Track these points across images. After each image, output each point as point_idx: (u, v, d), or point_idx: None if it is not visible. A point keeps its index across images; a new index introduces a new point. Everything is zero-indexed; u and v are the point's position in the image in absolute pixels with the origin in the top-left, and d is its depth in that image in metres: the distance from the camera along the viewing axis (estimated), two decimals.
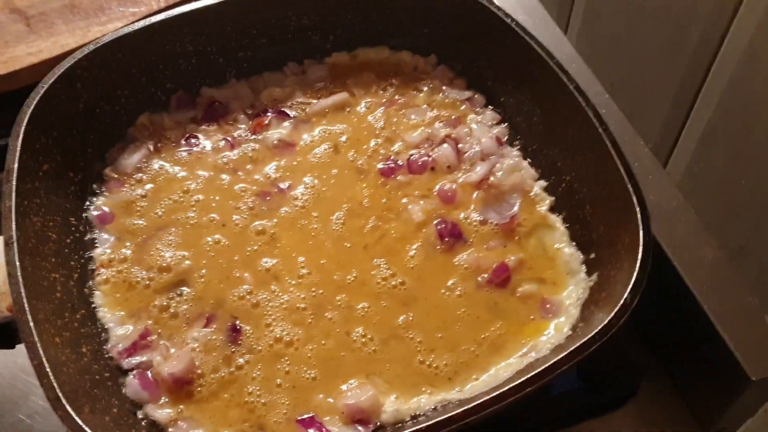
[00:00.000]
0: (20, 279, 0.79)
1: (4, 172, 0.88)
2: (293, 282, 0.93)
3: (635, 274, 0.81)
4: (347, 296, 0.92)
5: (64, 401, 0.71)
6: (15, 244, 0.82)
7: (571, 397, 0.95)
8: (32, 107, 0.94)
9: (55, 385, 0.72)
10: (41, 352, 0.74)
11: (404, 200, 1.01)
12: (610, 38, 1.55)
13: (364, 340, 0.89)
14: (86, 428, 0.70)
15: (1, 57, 1.17)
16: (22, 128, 0.92)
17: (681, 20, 1.34)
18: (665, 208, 1.01)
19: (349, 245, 0.97)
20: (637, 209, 0.85)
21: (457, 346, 0.88)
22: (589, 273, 0.93)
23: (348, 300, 0.92)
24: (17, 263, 0.80)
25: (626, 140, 1.01)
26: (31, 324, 0.76)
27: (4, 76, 1.15)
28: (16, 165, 0.89)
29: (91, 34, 1.20)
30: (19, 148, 0.90)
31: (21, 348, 0.88)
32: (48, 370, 0.73)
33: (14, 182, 0.87)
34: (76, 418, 0.70)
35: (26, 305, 0.77)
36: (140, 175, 1.03)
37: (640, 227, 0.84)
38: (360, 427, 0.81)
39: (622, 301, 0.79)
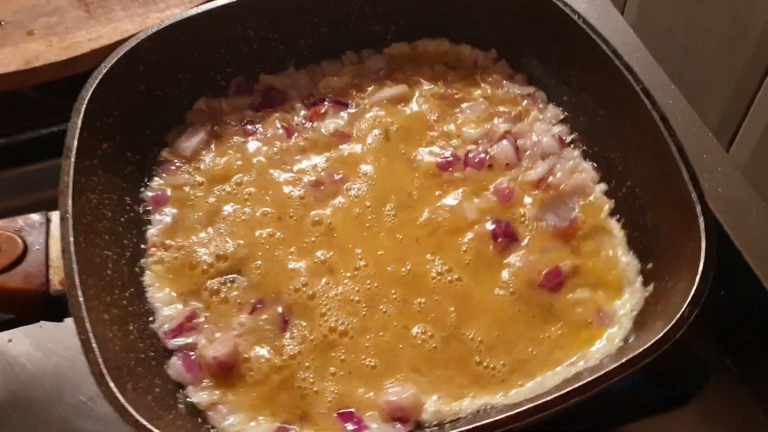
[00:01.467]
0: (73, 254, 0.80)
1: (64, 148, 0.90)
2: (348, 274, 0.92)
3: (695, 286, 0.77)
4: (402, 290, 0.91)
5: (107, 377, 0.72)
6: (70, 220, 0.83)
7: (635, 394, 0.94)
8: (94, 86, 0.95)
9: (99, 360, 0.73)
10: (89, 327, 0.75)
11: (459, 196, 0.99)
12: (668, 28, 1.49)
13: (424, 337, 0.87)
14: (127, 405, 0.70)
15: (62, 42, 1.19)
16: (83, 106, 0.93)
17: (741, 11, 1.28)
18: (735, 200, 0.97)
19: (401, 237, 0.96)
20: (701, 220, 0.82)
21: (514, 346, 0.86)
22: (645, 283, 0.89)
23: (403, 294, 0.90)
24: (71, 238, 0.82)
25: (694, 131, 0.98)
26: (81, 299, 0.77)
27: (66, 62, 1.17)
28: (75, 142, 0.90)
29: (150, 20, 1.21)
30: (79, 126, 0.91)
31: None
32: (94, 345, 0.74)
33: (72, 159, 0.89)
34: (118, 395, 0.71)
35: (77, 280, 0.79)
36: (197, 158, 1.04)
37: (703, 239, 0.80)
38: (399, 425, 0.80)
39: (679, 315, 0.75)
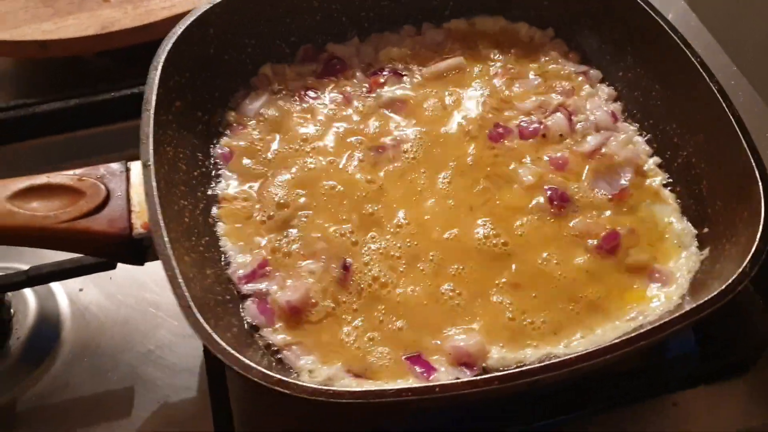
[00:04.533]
0: (156, 197, 0.84)
1: (143, 102, 0.93)
2: (391, 230, 0.95)
3: (756, 244, 0.80)
4: (440, 252, 0.93)
5: (194, 309, 0.75)
6: (152, 167, 0.87)
7: (686, 362, 0.95)
8: (170, 45, 0.99)
9: (186, 294, 0.76)
10: (174, 264, 0.78)
11: (512, 165, 1.02)
12: (727, 12, 1.51)
13: (451, 294, 0.90)
14: (214, 335, 0.73)
15: (137, 10, 1.24)
16: (161, 62, 0.97)
17: None
18: None
19: (453, 203, 0.99)
20: (760, 183, 0.85)
21: (553, 304, 0.89)
22: (701, 247, 0.92)
23: (442, 256, 0.93)
24: (153, 183, 0.85)
25: (755, 111, 1.00)
26: (166, 238, 0.81)
27: (140, 28, 1.22)
28: (154, 96, 0.94)
29: None
30: (157, 81, 0.95)
31: (150, 284, 0.95)
32: (180, 280, 0.77)
33: (152, 111, 0.92)
34: (205, 325, 0.74)
35: (161, 221, 0.82)
36: (260, 120, 1.07)
37: (762, 200, 0.83)
38: (465, 370, 0.83)
39: (740, 269, 0.79)
